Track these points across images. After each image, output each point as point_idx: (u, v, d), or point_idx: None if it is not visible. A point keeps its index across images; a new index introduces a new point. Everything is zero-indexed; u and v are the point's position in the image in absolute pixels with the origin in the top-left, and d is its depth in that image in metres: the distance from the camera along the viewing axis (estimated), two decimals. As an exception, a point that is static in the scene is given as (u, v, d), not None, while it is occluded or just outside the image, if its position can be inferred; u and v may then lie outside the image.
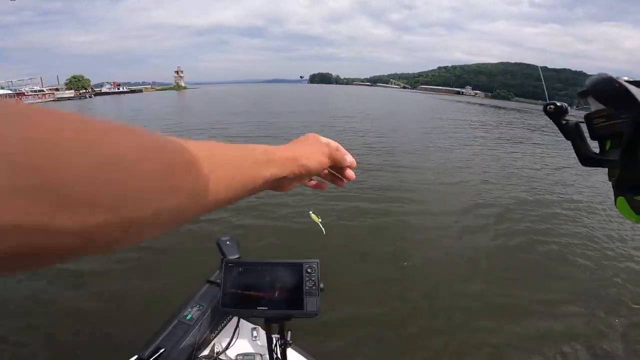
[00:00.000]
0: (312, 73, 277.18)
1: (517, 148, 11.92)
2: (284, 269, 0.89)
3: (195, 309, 1.09)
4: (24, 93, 51.58)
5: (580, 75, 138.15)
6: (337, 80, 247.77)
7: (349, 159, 0.46)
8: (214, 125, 14.71)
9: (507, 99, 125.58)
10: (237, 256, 1.09)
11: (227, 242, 1.13)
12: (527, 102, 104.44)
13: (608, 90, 0.30)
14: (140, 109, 27.15)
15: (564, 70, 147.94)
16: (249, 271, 0.89)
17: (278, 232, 4.46)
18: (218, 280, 1.14)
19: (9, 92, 48.94)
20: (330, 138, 0.45)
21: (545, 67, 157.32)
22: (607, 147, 0.35)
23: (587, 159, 0.34)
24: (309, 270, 0.87)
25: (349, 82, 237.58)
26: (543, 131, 19.15)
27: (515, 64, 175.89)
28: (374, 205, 5.17)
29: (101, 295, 3.21)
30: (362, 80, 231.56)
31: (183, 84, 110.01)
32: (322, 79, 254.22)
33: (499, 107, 48.65)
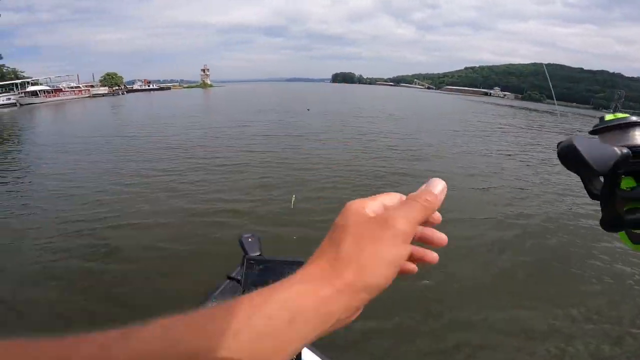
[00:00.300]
0: (334, 72, 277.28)
1: (551, 154, 11.22)
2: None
3: (215, 304, 0.99)
4: (61, 89, 54.34)
5: (618, 77, 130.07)
6: (360, 80, 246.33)
7: (435, 214, 0.29)
8: (236, 123, 14.97)
9: (539, 100, 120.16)
10: (258, 253, 1.09)
11: (249, 240, 1.13)
12: (561, 105, 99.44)
13: (567, 159, 0.32)
14: (169, 107, 28.09)
15: (601, 72, 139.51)
16: (270, 269, 0.91)
17: (300, 231, 4.44)
18: (238, 277, 1.09)
19: (48, 88, 51.67)
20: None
21: (581, 69, 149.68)
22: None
23: (591, 194, 0.35)
24: None
25: (371, 81, 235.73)
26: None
27: (548, 64, 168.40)
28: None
29: (123, 288, 3.27)
30: (385, 80, 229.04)
31: (209, 82, 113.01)
32: (344, 78, 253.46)
33: (530, 109, 46.76)
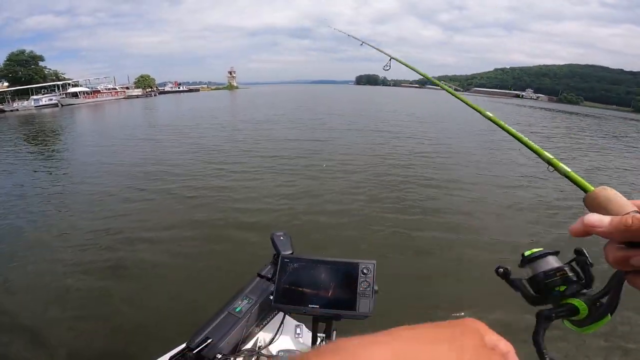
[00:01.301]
0: (358, 74, 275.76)
1: (599, 161, 10.36)
2: (340, 268, 0.86)
3: (245, 302, 1.10)
4: (99, 90, 57.16)
5: None
6: (384, 82, 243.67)
7: None
8: (260, 125, 15.20)
9: (576, 103, 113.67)
10: (290, 252, 1.09)
11: (281, 238, 1.15)
12: (599, 108, 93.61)
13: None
14: (196, 108, 28.94)
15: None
16: (304, 268, 0.88)
17: (331, 229, 4.54)
18: (269, 275, 1.16)
19: (87, 89, 54.61)
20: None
21: (621, 70, 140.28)
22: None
23: (532, 299, 0.45)
24: (364, 271, 0.84)
25: (396, 83, 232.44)
26: (627, 140, 16.94)
27: (586, 65, 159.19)
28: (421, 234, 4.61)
29: (157, 286, 3.43)
30: (411, 82, 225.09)
31: (235, 84, 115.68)
32: (368, 80, 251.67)
33: (568, 112, 44.08)
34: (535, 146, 0.72)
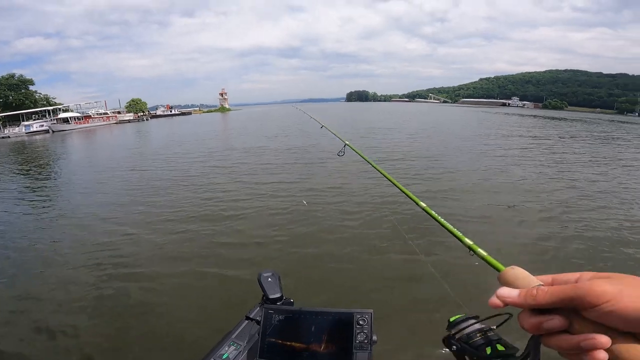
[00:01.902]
0: (348, 91, 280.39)
1: (602, 168, 10.18)
2: (332, 319, 0.78)
3: (232, 347, 1.00)
4: (90, 115, 56.88)
5: (639, 79, 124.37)
6: (374, 98, 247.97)
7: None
8: (252, 151, 14.94)
9: (561, 108, 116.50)
10: (278, 294, 1.03)
11: (269, 279, 1.08)
12: (584, 111, 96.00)
13: None
14: (187, 133, 28.33)
15: (621, 75, 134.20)
16: (292, 319, 0.80)
17: (324, 269, 4.21)
18: (258, 318, 1.07)
19: (78, 114, 54.19)
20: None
21: (600, 73, 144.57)
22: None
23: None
24: (360, 322, 0.76)
25: (386, 98, 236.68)
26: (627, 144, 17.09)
27: (566, 70, 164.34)
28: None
29: (142, 327, 3.25)
30: (400, 97, 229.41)
31: (227, 106, 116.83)
32: (359, 96, 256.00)
33: (556, 118, 44.87)
34: (458, 233, 0.83)
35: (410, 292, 3.57)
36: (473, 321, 0.50)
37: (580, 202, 6.69)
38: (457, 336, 0.51)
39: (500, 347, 0.49)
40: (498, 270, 0.48)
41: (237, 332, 1.06)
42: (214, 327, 2.94)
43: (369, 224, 5.56)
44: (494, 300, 0.40)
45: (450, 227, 0.77)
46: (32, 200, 8.48)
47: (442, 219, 0.84)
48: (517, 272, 0.43)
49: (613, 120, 44.82)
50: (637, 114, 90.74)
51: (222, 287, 3.89)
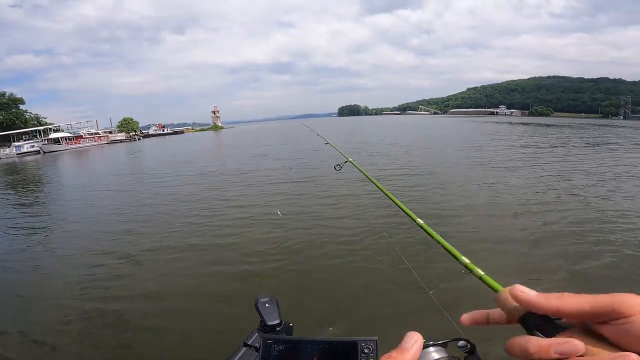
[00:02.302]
0: (340, 106, 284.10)
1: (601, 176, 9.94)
2: (335, 348, 0.73)
3: None
4: (82, 136, 56.26)
5: (621, 82, 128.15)
6: (366, 111, 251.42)
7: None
8: (246, 171, 14.68)
9: (547, 115, 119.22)
10: (277, 321, 1.00)
11: (267, 305, 1.05)
12: (569, 117, 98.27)
13: None
14: (177, 154, 27.69)
15: (602, 79, 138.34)
16: (293, 349, 0.74)
17: (323, 291, 4.09)
18: (256, 345, 1.04)
19: (69, 134, 53.64)
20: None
21: (582, 78, 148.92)
22: None
23: None
24: (365, 350, 0.69)
25: (377, 112, 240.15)
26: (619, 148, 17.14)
27: (549, 77, 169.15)
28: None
29: (139, 354, 3.18)
30: (391, 109, 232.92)
31: (220, 124, 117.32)
32: (350, 111, 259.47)
33: (544, 125, 45.54)
34: (455, 251, 0.81)
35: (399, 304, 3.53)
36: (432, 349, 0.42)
37: (598, 223, 5.88)
38: None
39: None
40: (496, 290, 0.45)
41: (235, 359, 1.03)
42: (211, 354, 2.89)
43: (366, 243, 5.42)
44: (470, 315, 0.38)
45: (447, 244, 0.76)
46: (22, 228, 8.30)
47: (439, 236, 0.83)
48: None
49: (601, 125, 45.54)
50: (621, 117, 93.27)
51: (218, 312, 3.79)
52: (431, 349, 0.41)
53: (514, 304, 0.37)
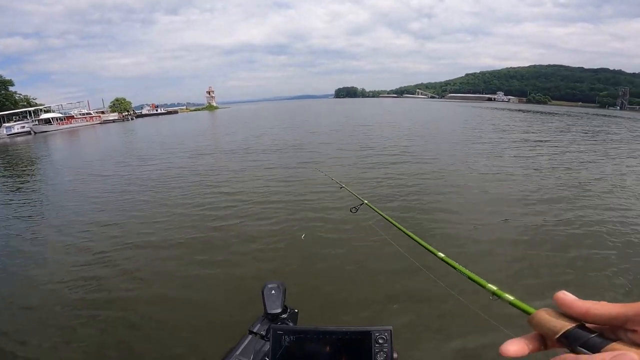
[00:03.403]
0: (337, 88, 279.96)
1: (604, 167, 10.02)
2: (348, 338, 0.70)
3: None
4: (73, 116, 55.23)
5: (620, 73, 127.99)
6: (363, 94, 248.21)
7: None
8: (240, 151, 14.48)
9: (544, 102, 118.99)
10: (278, 310, 0.98)
11: (273, 291, 1.02)
12: (566, 105, 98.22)
13: None
14: (174, 134, 27.41)
15: (602, 70, 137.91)
16: (304, 340, 0.71)
17: (335, 277, 4.06)
18: (262, 332, 1.02)
19: (60, 115, 52.71)
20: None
21: (582, 68, 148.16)
22: None
23: None
24: (380, 341, 0.69)
25: (375, 94, 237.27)
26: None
27: (549, 65, 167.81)
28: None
29: (146, 342, 3.16)
30: (389, 92, 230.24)
31: (214, 104, 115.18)
32: (347, 93, 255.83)
33: (542, 112, 45.39)
34: (481, 280, 0.76)
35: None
36: None
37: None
38: None
39: None
40: (528, 313, 0.43)
41: (241, 348, 1.00)
42: (216, 342, 2.92)
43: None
44: (513, 344, 0.35)
45: (471, 274, 0.73)
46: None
47: (462, 267, 0.81)
48: (549, 313, 0.38)
49: (597, 114, 45.67)
50: (618, 107, 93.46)
51: (225, 299, 3.73)
52: None
53: (553, 321, 0.35)
